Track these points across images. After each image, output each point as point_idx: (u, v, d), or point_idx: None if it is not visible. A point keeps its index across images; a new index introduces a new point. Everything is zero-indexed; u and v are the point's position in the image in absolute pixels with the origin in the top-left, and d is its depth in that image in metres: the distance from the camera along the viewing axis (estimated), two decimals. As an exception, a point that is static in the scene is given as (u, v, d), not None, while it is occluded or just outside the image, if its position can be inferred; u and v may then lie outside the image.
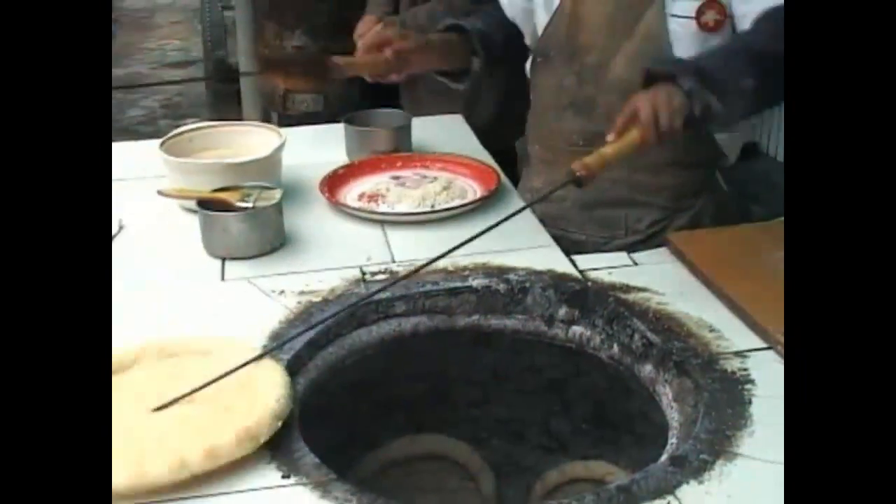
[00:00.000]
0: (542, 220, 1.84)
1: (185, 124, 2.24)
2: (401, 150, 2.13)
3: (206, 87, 6.44)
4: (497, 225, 1.45)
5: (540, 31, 1.93)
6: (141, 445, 1.15)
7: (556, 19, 1.89)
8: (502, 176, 2.00)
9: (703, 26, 1.72)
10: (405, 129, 2.18)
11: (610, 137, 1.50)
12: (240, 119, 4.26)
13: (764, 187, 4.55)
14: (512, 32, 1.98)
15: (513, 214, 1.50)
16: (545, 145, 2.00)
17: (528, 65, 2.01)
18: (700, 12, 1.71)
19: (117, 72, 7.34)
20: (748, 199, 4.37)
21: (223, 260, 1.70)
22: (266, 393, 1.24)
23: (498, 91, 2.60)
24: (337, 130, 2.22)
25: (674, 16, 1.74)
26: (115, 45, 7.25)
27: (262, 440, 1.17)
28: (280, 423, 1.20)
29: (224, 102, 5.64)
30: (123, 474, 1.10)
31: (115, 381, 1.29)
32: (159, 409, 1.23)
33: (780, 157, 4.70)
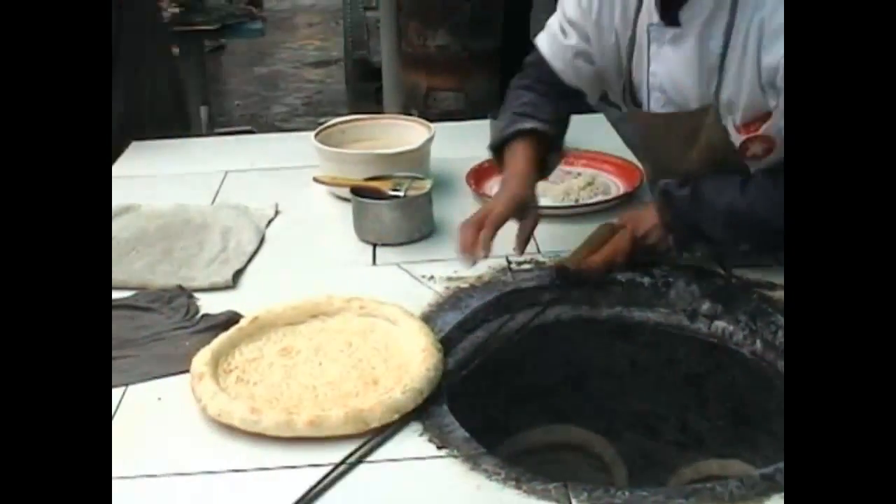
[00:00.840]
0: None
1: (324, 120, 2.32)
2: (545, 146, 2.17)
3: (347, 84, 6.61)
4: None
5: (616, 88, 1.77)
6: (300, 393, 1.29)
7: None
8: (645, 174, 2.02)
9: (749, 158, 1.57)
10: (550, 126, 2.21)
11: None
12: (380, 116, 4.39)
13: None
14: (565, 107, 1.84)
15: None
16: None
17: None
18: (745, 147, 1.56)
19: (261, 70, 7.61)
20: None
21: (374, 245, 1.77)
22: (415, 369, 1.31)
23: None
24: (482, 127, 2.26)
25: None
26: (261, 44, 7.50)
27: (404, 412, 1.25)
28: (422, 398, 1.27)
29: (363, 100, 5.78)
30: (273, 419, 1.22)
31: (315, 324, 1.47)
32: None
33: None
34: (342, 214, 1.87)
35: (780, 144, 1.52)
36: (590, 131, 2.35)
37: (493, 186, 1.99)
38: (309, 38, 8.65)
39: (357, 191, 1.81)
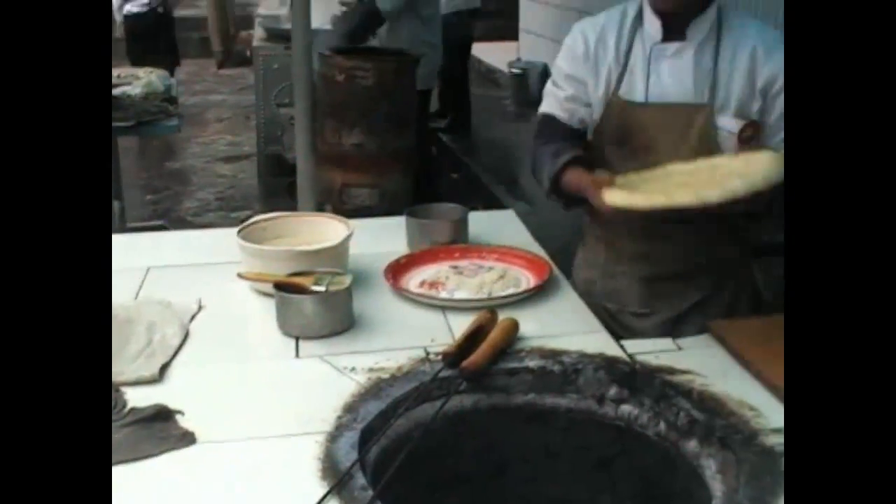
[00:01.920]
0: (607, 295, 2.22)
1: (237, 216, 2.40)
2: (458, 242, 2.29)
3: (259, 179, 6.68)
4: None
5: (591, 126, 2.19)
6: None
7: (607, 121, 2.14)
8: (554, 267, 2.14)
9: (742, 140, 2.04)
10: (463, 222, 2.33)
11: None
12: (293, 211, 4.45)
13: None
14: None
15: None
16: (604, 226, 2.22)
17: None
18: (742, 130, 2.04)
19: (172, 164, 7.64)
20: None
21: (297, 339, 1.84)
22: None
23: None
24: (398, 222, 2.37)
25: (719, 128, 2.05)
26: (172, 138, 7.53)
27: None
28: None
29: (276, 195, 5.85)
30: None
31: None
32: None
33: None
34: (265, 309, 1.94)
35: (765, 132, 2.04)
36: (501, 228, 2.48)
37: (409, 281, 2.08)
38: (220, 133, 8.71)
39: (280, 286, 1.88)
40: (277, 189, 6.02)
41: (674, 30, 2.08)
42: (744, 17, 2.13)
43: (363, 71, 4.12)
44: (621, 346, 1.78)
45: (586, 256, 2.34)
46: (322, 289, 1.87)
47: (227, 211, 6.32)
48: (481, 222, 2.45)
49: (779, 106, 2.04)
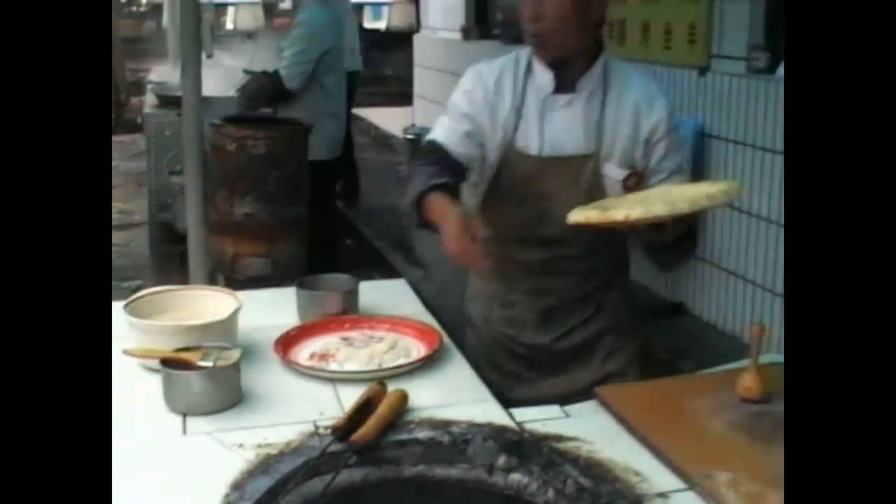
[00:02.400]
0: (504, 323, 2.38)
1: (128, 286, 2.37)
2: (349, 312, 2.29)
3: (151, 248, 6.56)
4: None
5: (489, 175, 2.28)
6: None
7: (504, 170, 2.23)
8: (444, 336, 2.16)
9: (627, 188, 2.18)
10: (353, 293, 2.34)
11: None
12: (185, 281, 4.39)
13: (689, 343, 4.78)
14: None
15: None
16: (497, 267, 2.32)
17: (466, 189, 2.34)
18: (626, 178, 2.18)
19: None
20: (676, 355, 4.59)
21: (184, 416, 1.81)
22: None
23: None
24: (289, 293, 2.37)
25: (605, 176, 2.19)
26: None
27: None
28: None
29: (168, 264, 5.75)
30: None
31: None
32: None
33: (705, 316, 4.94)
34: (151, 385, 1.90)
35: (648, 176, 2.20)
36: (392, 297, 2.49)
37: (299, 354, 2.08)
38: (112, 200, 8.56)
39: (167, 362, 1.85)
40: (170, 258, 5.92)
41: (565, 82, 2.20)
42: (626, 68, 2.28)
43: (254, 140, 4.13)
44: (510, 415, 1.80)
45: (479, 289, 2.45)
46: (210, 364, 1.85)
47: (118, 280, 6.18)
48: (372, 292, 2.46)
49: (659, 150, 2.21)
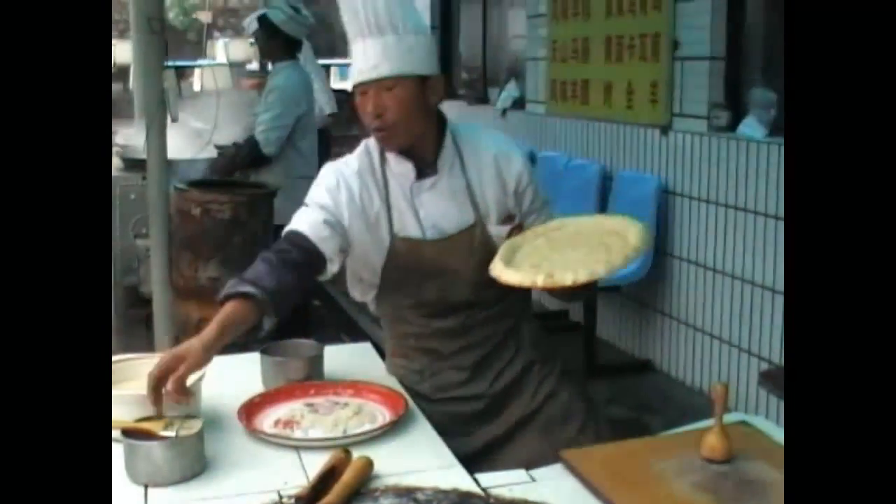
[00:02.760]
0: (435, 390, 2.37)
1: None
2: (314, 379, 2.28)
3: (115, 312, 6.50)
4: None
5: (379, 267, 2.30)
6: None
7: (395, 259, 2.27)
8: (409, 401, 2.15)
9: (509, 237, 2.23)
10: (318, 359, 2.33)
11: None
12: (150, 345, 4.36)
13: (658, 399, 4.80)
14: (306, 268, 2.22)
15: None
16: (399, 341, 2.43)
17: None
18: (509, 234, 2.23)
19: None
20: (643, 411, 4.60)
21: (146, 486, 1.78)
22: None
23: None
24: (253, 359, 2.35)
25: (492, 236, 2.26)
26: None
27: None
28: None
29: (133, 328, 5.69)
30: None
31: None
32: None
33: (672, 373, 4.96)
34: (113, 455, 1.87)
35: (523, 221, 2.30)
36: (357, 361, 2.49)
37: (263, 421, 2.06)
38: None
39: (128, 432, 1.83)
40: (135, 322, 5.87)
41: (425, 164, 2.26)
42: (473, 130, 2.36)
43: (218, 204, 4.13)
44: (475, 480, 1.79)
45: (402, 363, 2.43)
46: (172, 434, 1.83)
47: (81, 345, 6.11)
48: (337, 356, 2.45)
49: (528, 196, 2.32)
